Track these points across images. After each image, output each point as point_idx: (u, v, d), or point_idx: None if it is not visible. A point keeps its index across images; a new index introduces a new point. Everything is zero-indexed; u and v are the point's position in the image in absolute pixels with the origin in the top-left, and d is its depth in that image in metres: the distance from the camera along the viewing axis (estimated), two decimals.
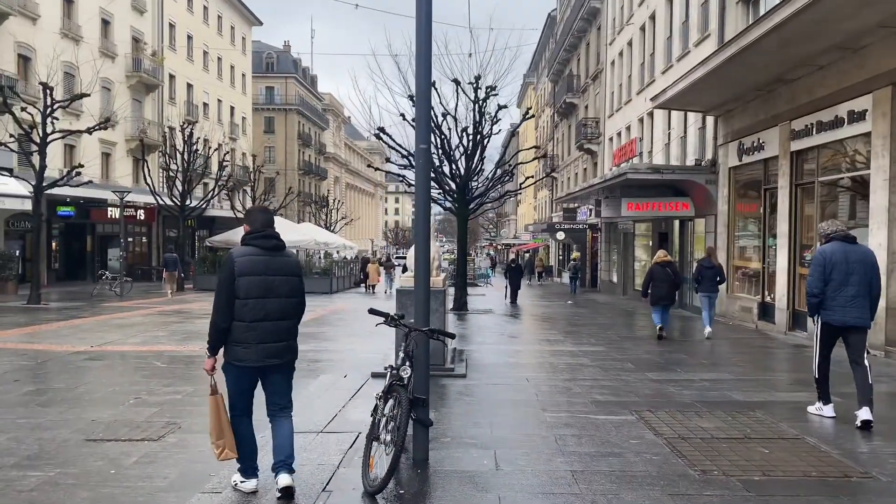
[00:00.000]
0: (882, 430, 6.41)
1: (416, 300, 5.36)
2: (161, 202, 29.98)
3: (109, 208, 30.41)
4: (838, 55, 12.03)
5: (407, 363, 5.04)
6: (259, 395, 4.74)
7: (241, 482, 4.70)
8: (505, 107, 21.01)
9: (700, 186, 18.90)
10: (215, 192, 33.10)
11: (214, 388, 4.53)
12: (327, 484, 4.95)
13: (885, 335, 10.80)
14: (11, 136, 21.79)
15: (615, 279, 30.98)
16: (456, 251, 22.48)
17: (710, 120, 19.38)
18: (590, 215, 32.65)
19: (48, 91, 20.25)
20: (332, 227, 56.13)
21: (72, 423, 6.59)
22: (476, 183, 22.21)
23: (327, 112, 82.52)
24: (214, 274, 28.84)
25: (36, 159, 20.29)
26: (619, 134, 30.21)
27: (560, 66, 44.10)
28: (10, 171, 22.66)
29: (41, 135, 20.14)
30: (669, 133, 23.69)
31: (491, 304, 23.13)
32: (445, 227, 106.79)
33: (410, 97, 19.54)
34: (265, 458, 4.81)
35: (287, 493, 4.52)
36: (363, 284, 33.07)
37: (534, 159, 29.01)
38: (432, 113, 19.02)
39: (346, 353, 11.60)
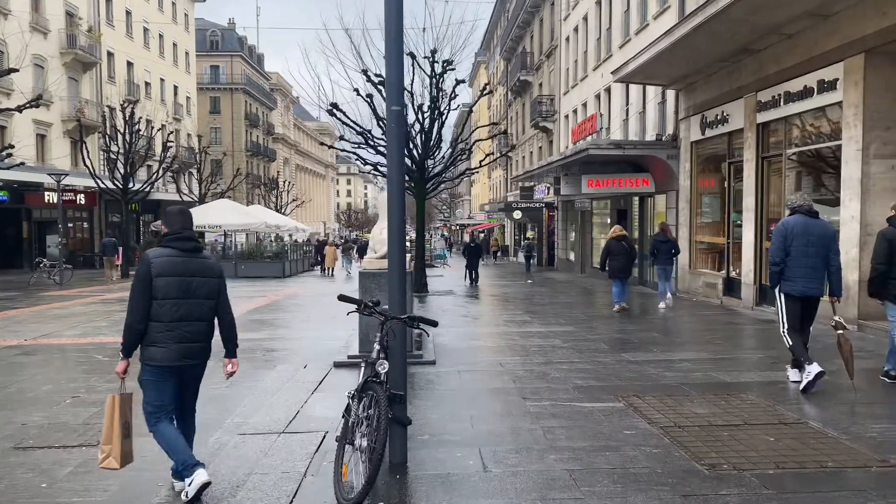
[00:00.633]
0: (878, 413, 6.09)
1: (390, 285, 4.71)
2: (102, 185, 28.42)
3: (46, 192, 28.84)
4: (809, 22, 11.71)
5: (383, 357, 4.41)
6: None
7: (189, 483, 4.21)
8: (463, 81, 20.35)
9: (660, 161, 18.61)
10: (159, 175, 31.71)
11: (121, 389, 4.40)
12: (294, 496, 4.33)
13: (858, 309, 10.61)
14: None
15: (573, 257, 30.77)
16: (414, 232, 21.80)
17: (670, 94, 19.07)
18: (548, 193, 32.30)
19: None
20: (282, 210, 54.73)
21: None
22: (433, 161, 21.58)
23: (275, 92, 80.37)
24: None
25: None
26: (575, 111, 29.83)
27: (513, 44, 43.50)
28: None
29: None
30: (628, 109, 23.37)
31: (451, 285, 22.60)
32: None
33: (364, 71, 18.72)
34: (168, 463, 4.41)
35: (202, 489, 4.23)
36: (320, 267, 32.49)
37: (493, 136, 28.46)
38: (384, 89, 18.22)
39: (304, 342, 10.91)
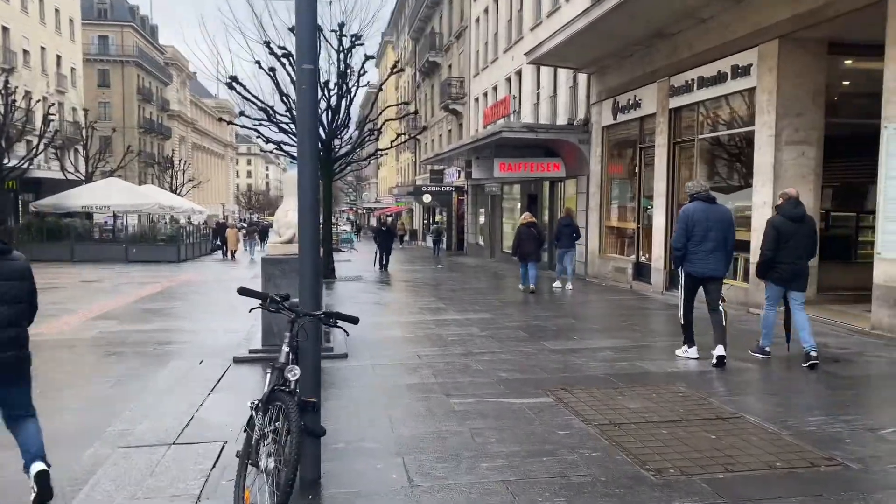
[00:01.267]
0: (811, 404, 5.95)
1: (301, 274, 4.02)
2: None
3: None
4: (722, 7, 11.66)
5: (293, 361, 3.74)
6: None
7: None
8: (372, 57, 19.50)
9: (571, 146, 18.49)
10: (39, 150, 29.18)
11: None
12: None
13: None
14: None
15: (482, 242, 30.58)
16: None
17: (582, 78, 18.95)
18: (458, 177, 31.93)
19: None
20: (178, 191, 51.89)
21: None
22: (340, 142, 20.69)
23: (170, 66, 76.20)
24: (41, 242, 25.67)
25: None
26: (485, 94, 29.50)
27: (422, 24, 42.75)
28: None
29: None
30: (539, 93, 23.19)
31: (359, 271, 21.83)
32: None
33: (267, 43, 17.59)
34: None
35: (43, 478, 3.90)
36: (220, 251, 31.01)
37: (403, 116, 27.74)
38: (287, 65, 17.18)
39: (200, 334, 9.99)
